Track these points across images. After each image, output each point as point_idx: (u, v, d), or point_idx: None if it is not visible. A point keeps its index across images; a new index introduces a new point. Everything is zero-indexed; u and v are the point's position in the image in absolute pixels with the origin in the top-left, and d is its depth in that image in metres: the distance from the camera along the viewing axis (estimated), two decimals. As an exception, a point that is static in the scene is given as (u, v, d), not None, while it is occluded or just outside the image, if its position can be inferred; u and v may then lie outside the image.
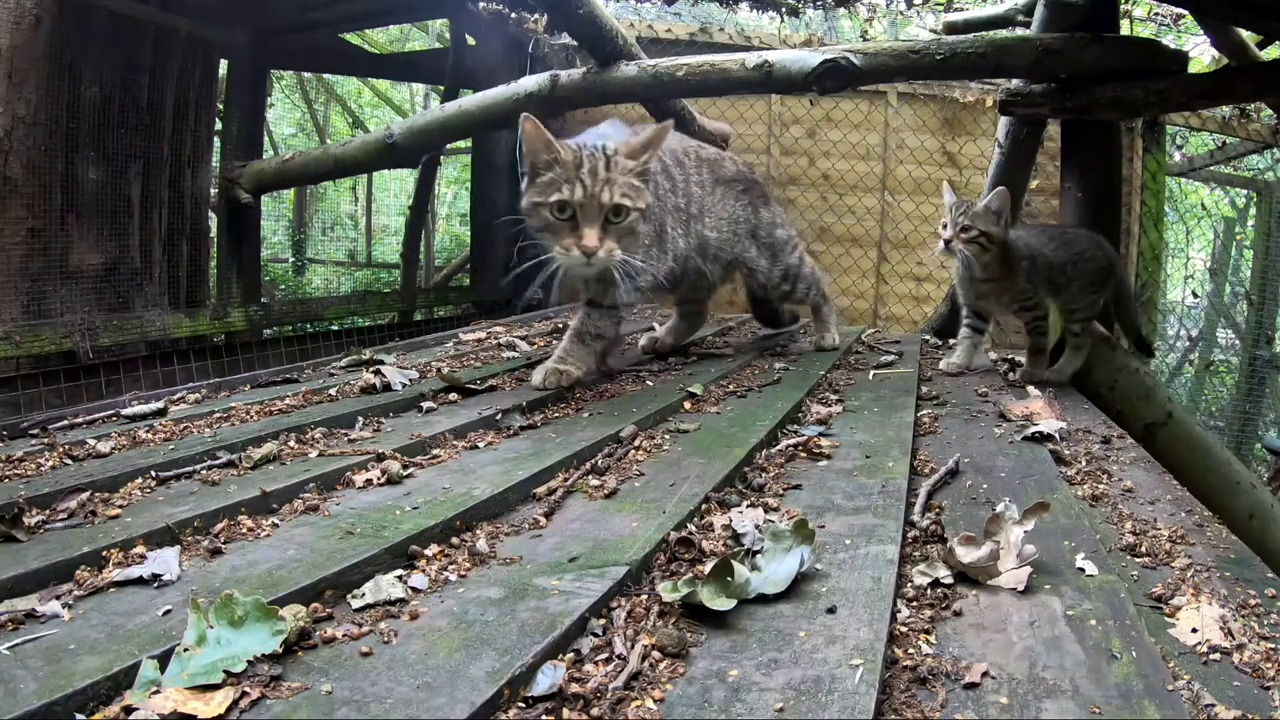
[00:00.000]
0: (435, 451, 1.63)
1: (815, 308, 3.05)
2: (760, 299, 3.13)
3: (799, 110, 5.84)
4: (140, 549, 1.11)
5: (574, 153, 1.94)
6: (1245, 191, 6.86)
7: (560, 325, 3.36)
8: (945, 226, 2.54)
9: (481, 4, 3.57)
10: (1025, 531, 1.18)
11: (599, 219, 1.92)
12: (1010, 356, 3.01)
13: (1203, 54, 5.02)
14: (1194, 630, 1.04)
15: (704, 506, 1.34)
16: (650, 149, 2.04)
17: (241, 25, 4.12)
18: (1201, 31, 4.09)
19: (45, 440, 1.72)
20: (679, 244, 2.45)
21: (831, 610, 1.00)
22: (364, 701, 0.79)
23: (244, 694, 0.80)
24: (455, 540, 1.21)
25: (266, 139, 6.36)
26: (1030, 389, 2.42)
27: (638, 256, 2.05)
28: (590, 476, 1.50)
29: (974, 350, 2.77)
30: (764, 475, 1.53)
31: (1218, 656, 0.99)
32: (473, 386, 2.15)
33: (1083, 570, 1.16)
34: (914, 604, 1.07)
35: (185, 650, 0.84)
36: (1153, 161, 5.34)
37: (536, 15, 3.45)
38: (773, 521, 1.21)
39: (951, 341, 2.85)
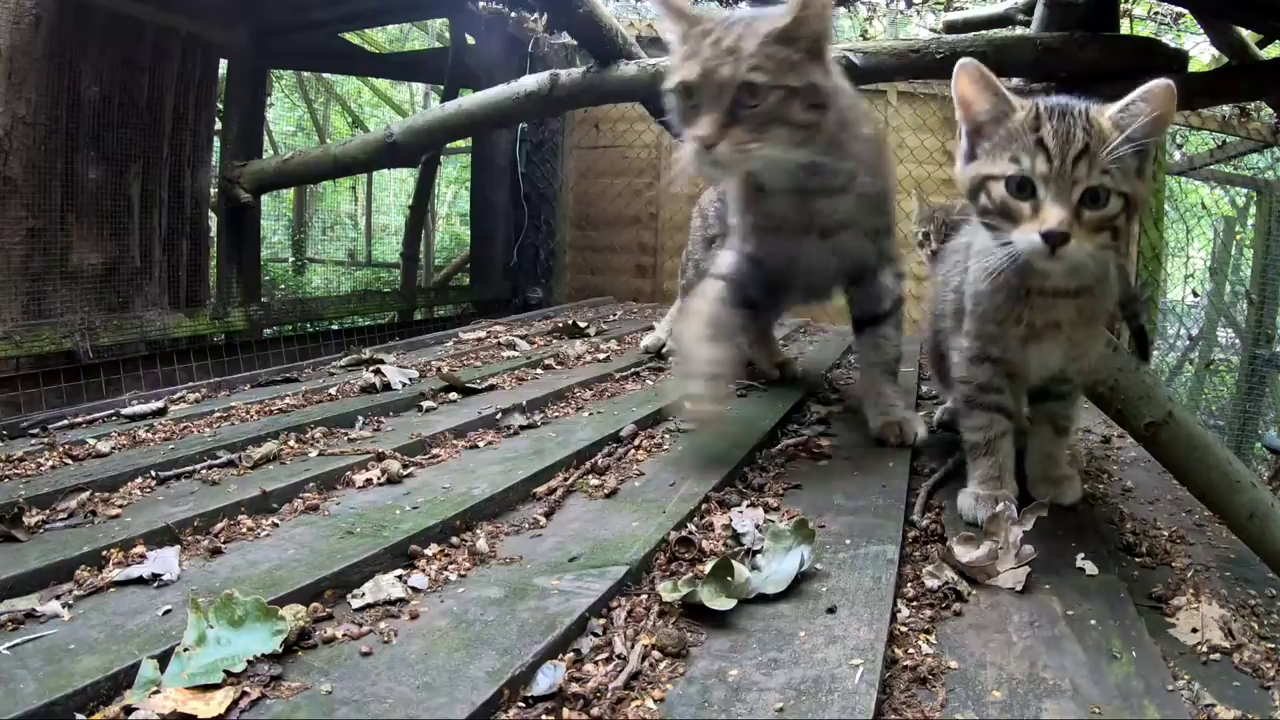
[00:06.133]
0: (435, 451, 1.63)
1: (767, 324, 2.55)
2: None
3: (799, 109, 5.84)
4: (140, 549, 1.11)
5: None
6: (1245, 190, 6.86)
7: (561, 325, 3.36)
8: (928, 236, 2.60)
9: (481, 3, 3.57)
10: (1024, 531, 1.18)
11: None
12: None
13: (1203, 53, 5.02)
14: (1194, 630, 1.04)
15: (704, 506, 1.34)
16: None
17: (241, 25, 4.11)
18: (1201, 30, 4.08)
19: (45, 440, 1.72)
20: None
21: (831, 610, 1.00)
22: (364, 701, 0.79)
23: (244, 694, 0.80)
24: (455, 540, 1.21)
25: (266, 139, 6.36)
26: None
27: None
28: (590, 476, 1.50)
29: None
30: (764, 475, 1.53)
31: (1218, 656, 0.99)
32: (473, 386, 2.15)
33: (1083, 570, 1.16)
34: (914, 604, 1.07)
35: (185, 650, 0.84)
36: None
37: (536, 15, 3.46)
38: (773, 521, 1.22)
39: None
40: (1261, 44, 3.61)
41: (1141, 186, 1.18)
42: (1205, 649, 1.00)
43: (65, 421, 1.92)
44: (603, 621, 0.98)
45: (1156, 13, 5.24)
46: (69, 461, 1.56)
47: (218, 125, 4.46)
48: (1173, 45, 3.33)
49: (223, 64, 4.36)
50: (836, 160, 1.59)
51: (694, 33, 1.49)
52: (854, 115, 1.62)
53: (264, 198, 5.04)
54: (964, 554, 1.14)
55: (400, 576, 1.07)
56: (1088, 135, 1.11)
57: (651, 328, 2.81)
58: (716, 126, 1.43)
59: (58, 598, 0.99)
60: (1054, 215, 1.10)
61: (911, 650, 0.95)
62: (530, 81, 3.21)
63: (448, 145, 5.79)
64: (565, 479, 1.46)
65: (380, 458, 1.52)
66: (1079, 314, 1.29)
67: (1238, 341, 6.65)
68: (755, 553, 1.14)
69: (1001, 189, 1.16)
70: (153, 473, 1.44)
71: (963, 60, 1.22)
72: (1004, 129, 1.18)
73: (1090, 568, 1.17)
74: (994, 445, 1.36)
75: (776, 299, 1.94)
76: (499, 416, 1.85)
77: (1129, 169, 1.15)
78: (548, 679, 0.85)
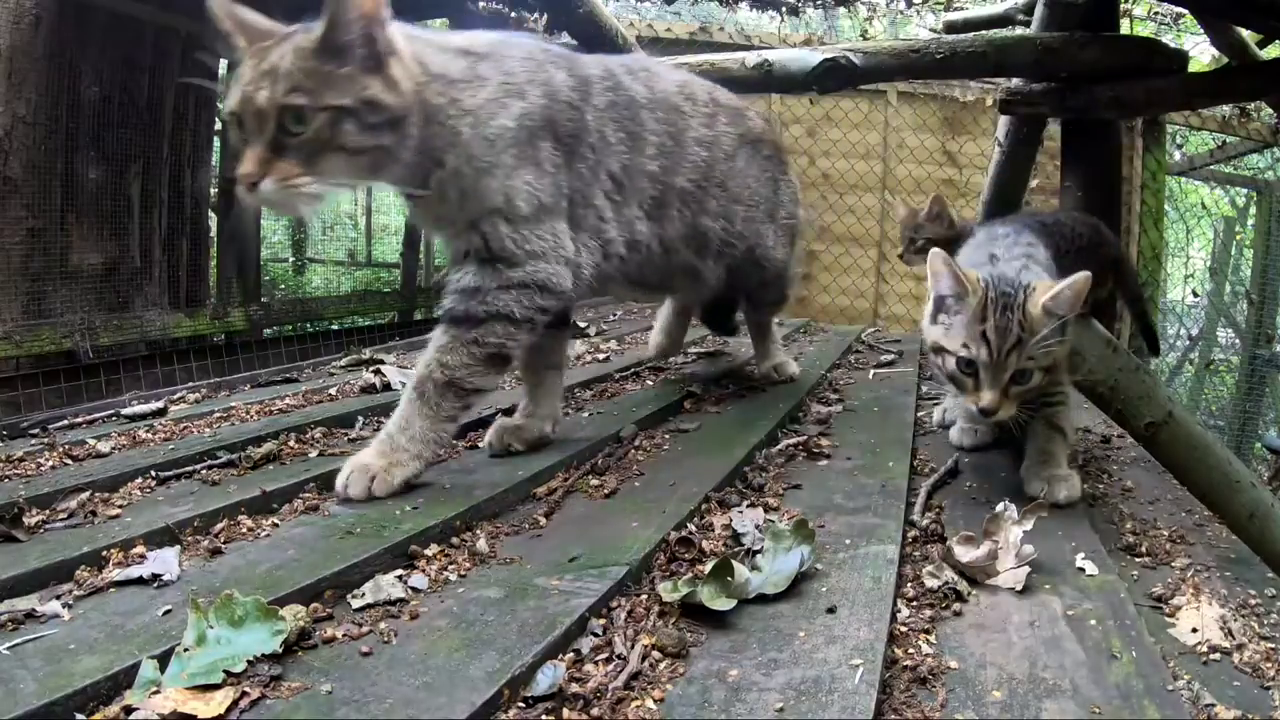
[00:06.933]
0: (435, 451, 1.63)
1: (771, 325, 2.39)
2: (729, 301, 2.35)
3: (799, 109, 5.84)
4: (140, 549, 1.11)
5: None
6: (1245, 190, 6.86)
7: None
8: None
9: (481, 4, 3.57)
10: (1024, 531, 1.18)
11: None
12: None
13: (1203, 53, 5.02)
14: (1194, 630, 1.04)
15: (704, 506, 1.34)
16: None
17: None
18: (1201, 30, 4.09)
19: (45, 440, 1.72)
20: (631, 232, 1.69)
21: (831, 610, 1.00)
22: (364, 701, 0.79)
23: (244, 694, 0.80)
24: (455, 540, 1.21)
25: (266, 138, 6.35)
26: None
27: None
28: (590, 476, 1.50)
29: None
30: (764, 475, 1.53)
31: (1218, 656, 0.99)
32: (473, 386, 2.14)
33: (1083, 570, 1.16)
34: (914, 604, 1.07)
35: (185, 650, 0.84)
36: (1153, 160, 5.34)
37: (536, 15, 3.46)
38: (773, 521, 1.21)
39: None
40: (1261, 44, 3.61)
41: (1062, 348, 1.44)
42: (1205, 649, 1.00)
43: (65, 421, 1.92)
44: (603, 621, 0.98)
45: (1156, 13, 5.24)
46: (69, 461, 1.56)
47: (218, 125, 4.47)
48: (1173, 45, 3.33)
49: (223, 64, 4.36)
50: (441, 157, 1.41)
51: (251, 51, 1.30)
52: (456, 99, 1.40)
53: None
54: (964, 554, 1.14)
55: (400, 576, 1.07)
56: (1021, 329, 1.37)
57: (650, 327, 2.80)
58: (258, 161, 1.26)
59: (58, 598, 0.99)
60: (986, 397, 1.40)
61: (911, 650, 0.95)
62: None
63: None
64: (565, 479, 1.46)
65: (380, 458, 1.51)
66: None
67: (1238, 341, 6.65)
68: (755, 553, 1.14)
69: (953, 363, 1.43)
70: (153, 473, 1.43)
71: (934, 249, 1.45)
72: (961, 311, 1.42)
73: (1090, 568, 1.16)
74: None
75: None
76: (499, 416, 1.85)
77: (1054, 337, 1.39)
78: (548, 679, 0.85)
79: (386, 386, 2.11)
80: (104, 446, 1.64)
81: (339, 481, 1.35)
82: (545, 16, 3.33)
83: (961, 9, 4.82)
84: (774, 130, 2.25)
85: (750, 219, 2.01)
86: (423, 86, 1.36)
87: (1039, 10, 2.98)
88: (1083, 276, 1.37)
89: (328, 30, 1.26)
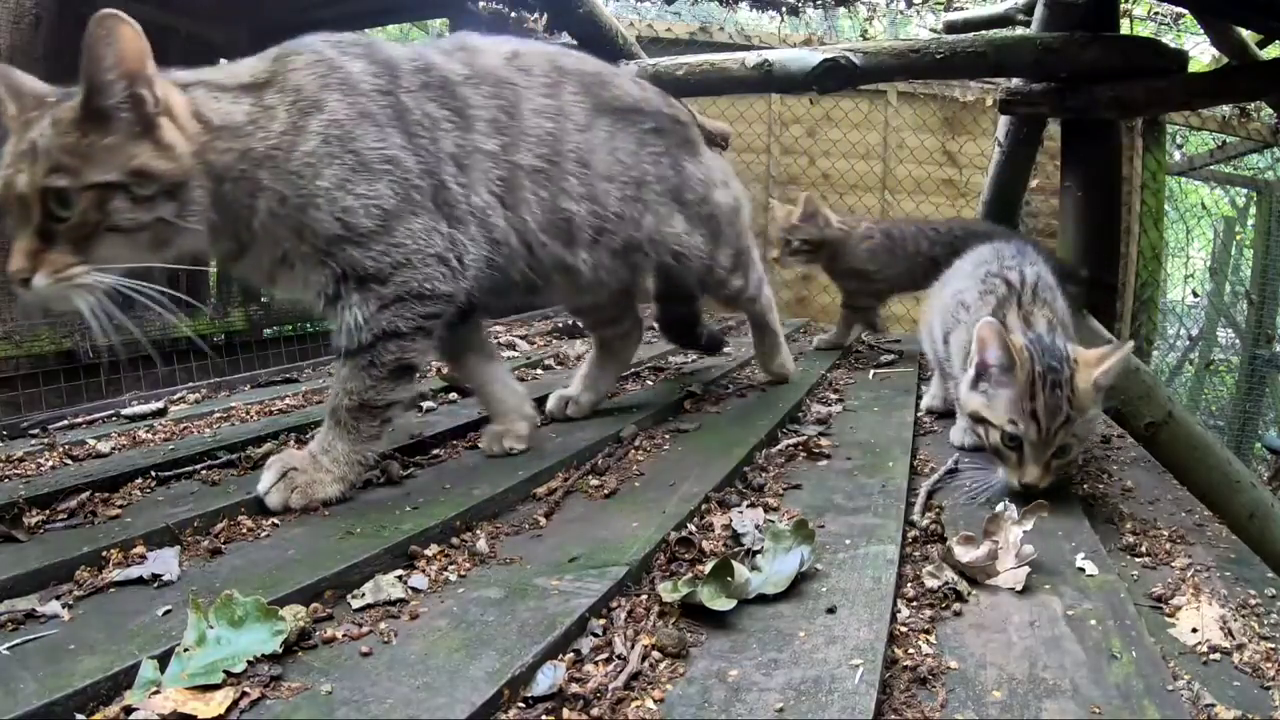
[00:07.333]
0: (435, 451, 1.63)
1: (763, 320, 2.24)
2: (680, 300, 2.16)
3: (799, 109, 5.84)
4: (140, 549, 1.11)
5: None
6: (1245, 190, 6.87)
7: (560, 325, 3.36)
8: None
9: (481, 4, 3.57)
10: (1024, 531, 1.18)
11: None
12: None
13: (1203, 53, 5.02)
14: (1194, 630, 1.04)
15: (704, 506, 1.34)
16: None
17: (241, 24, 4.11)
18: (1201, 30, 4.09)
19: (45, 440, 1.72)
20: (486, 225, 1.49)
21: (831, 610, 1.00)
22: (364, 701, 0.79)
23: (244, 694, 0.80)
24: (455, 540, 1.21)
25: (266, 138, 6.34)
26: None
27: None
28: (590, 476, 1.50)
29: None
30: (764, 475, 1.53)
31: (1218, 656, 0.99)
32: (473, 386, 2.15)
33: (1083, 570, 1.16)
34: (914, 604, 1.07)
35: (185, 650, 0.84)
36: (1153, 160, 5.34)
37: (536, 15, 3.46)
38: (773, 521, 1.22)
39: None
40: (1261, 44, 3.61)
41: (1099, 418, 1.51)
42: (1205, 649, 1.00)
43: (65, 422, 1.93)
44: (603, 622, 0.98)
45: (1156, 13, 5.24)
46: (69, 461, 1.56)
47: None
48: (1173, 45, 3.33)
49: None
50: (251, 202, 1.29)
51: (15, 126, 1.16)
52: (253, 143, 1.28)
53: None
54: (964, 554, 1.14)
55: (400, 577, 1.07)
56: (1069, 406, 1.38)
57: (652, 326, 2.80)
58: (26, 254, 1.13)
59: (58, 598, 0.99)
60: (1031, 473, 1.40)
61: (911, 650, 0.95)
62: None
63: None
64: (565, 479, 1.46)
65: (380, 458, 1.51)
66: None
67: (1238, 341, 6.65)
68: (755, 553, 1.14)
69: (998, 436, 1.43)
70: (153, 473, 1.44)
71: (987, 318, 1.45)
72: (1006, 383, 1.42)
73: (1090, 568, 1.16)
74: None
75: None
76: (499, 417, 1.85)
77: (1096, 411, 1.44)
78: (548, 679, 0.85)
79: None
80: (104, 446, 1.64)
81: (262, 482, 1.30)
82: (545, 16, 3.33)
83: (961, 9, 4.82)
84: (669, 102, 1.95)
85: (634, 199, 1.74)
86: (205, 145, 1.24)
87: (1039, 10, 2.99)
88: (1129, 347, 1.45)
89: (87, 96, 1.13)
